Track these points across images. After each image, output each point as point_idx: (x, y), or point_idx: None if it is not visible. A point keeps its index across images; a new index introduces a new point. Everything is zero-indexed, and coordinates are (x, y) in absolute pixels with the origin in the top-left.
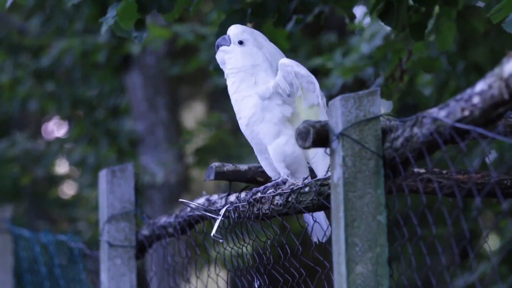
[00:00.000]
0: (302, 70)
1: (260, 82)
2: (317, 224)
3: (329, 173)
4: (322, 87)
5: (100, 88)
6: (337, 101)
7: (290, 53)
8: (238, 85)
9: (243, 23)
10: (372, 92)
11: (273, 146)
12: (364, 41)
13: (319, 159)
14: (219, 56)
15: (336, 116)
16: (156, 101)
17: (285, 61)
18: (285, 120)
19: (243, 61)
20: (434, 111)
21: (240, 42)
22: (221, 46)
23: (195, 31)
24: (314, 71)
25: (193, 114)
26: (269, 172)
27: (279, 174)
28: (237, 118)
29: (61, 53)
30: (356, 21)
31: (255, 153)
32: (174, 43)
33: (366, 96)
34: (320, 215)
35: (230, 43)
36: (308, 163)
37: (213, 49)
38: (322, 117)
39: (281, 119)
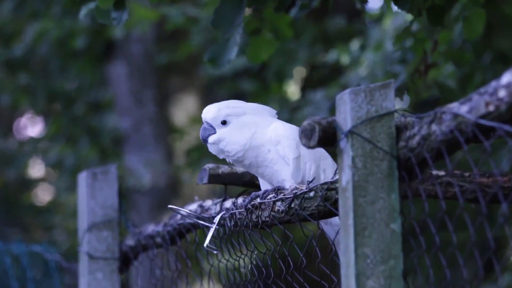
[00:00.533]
0: (287, 150)
1: (269, 144)
2: None
3: (337, 176)
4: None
5: (79, 79)
6: (345, 94)
7: (292, 39)
8: (256, 161)
9: (239, 9)
10: (385, 85)
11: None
12: (387, 36)
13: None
14: (214, 150)
15: (345, 111)
16: (142, 95)
17: (285, 152)
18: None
19: (241, 138)
20: (454, 106)
21: (224, 122)
22: (207, 138)
23: (186, 14)
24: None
25: (185, 109)
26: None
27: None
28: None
29: (35, 39)
30: (372, 7)
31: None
32: (163, 27)
33: (379, 89)
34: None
35: (214, 129)
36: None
37: (206, 34)
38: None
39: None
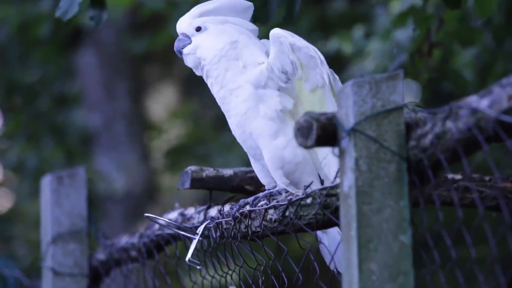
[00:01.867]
0: (299, 41)
1: (248, 63)
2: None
3: (338, 180)
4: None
5: (42, 70)
6: (347, 87)
7: (287, 26)
8: (223, 76)
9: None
10: (393, 76)
11: (269, 149)
12: (394, 22)
13: (331, 162)
14: (190, 62)
15: (347, 106)
16: (115, 87)
17: (277, 31)
18: (285, 115)
19: (217, 43)
20: (473, 100)
21: (198, 29)
22: (183, 49)
23: None
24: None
25: (163, 103)
26: (262, 179)
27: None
28: (227, 118)
29: None
30: None
31: (250, 160)
32: (138, 12)
33: (386, 81)
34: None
35: (189, 38)
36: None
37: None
38: (329, 103)
39: (280, 113)
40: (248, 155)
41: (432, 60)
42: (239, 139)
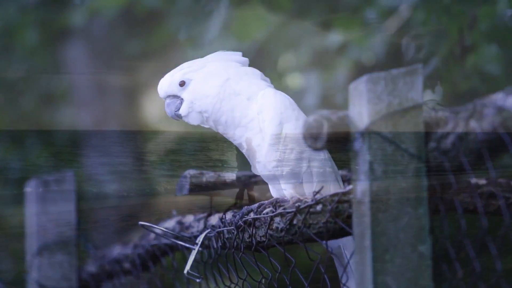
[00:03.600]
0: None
1: (250, 94)
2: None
3: (350, 185)
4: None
5: (27, 65)
6: (361, 83)
7: (296, 17)
8: (233, 117)
9: None
10: (411, 71)
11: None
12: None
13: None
14: (194, 119)
15: (360, 104)
16: (107, 83)
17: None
18: None
19: (210, 89)
20: (499, 98)
21: (182, 83)
22: (178, 111)
23: None
24: None
25: (159, 100)
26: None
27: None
28: (247, 157)
29: None
30: None
31: (270, 188)
32: (132, 10)
33: (403, 77)
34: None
35: (179, 97)
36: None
37: (186, 14)
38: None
39: None
40: (268, 183)
41: (468, 66)
42: (256, 170)
